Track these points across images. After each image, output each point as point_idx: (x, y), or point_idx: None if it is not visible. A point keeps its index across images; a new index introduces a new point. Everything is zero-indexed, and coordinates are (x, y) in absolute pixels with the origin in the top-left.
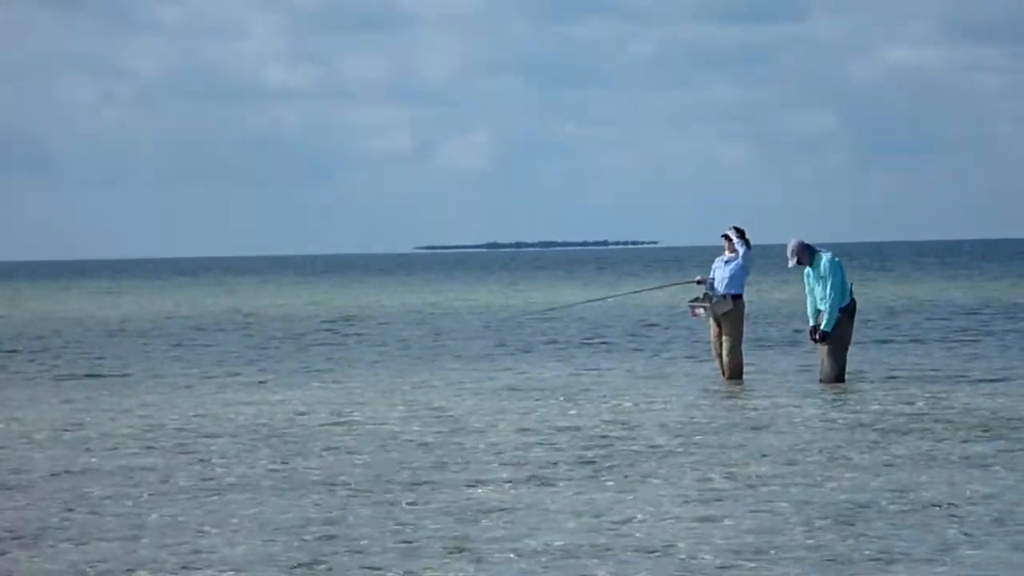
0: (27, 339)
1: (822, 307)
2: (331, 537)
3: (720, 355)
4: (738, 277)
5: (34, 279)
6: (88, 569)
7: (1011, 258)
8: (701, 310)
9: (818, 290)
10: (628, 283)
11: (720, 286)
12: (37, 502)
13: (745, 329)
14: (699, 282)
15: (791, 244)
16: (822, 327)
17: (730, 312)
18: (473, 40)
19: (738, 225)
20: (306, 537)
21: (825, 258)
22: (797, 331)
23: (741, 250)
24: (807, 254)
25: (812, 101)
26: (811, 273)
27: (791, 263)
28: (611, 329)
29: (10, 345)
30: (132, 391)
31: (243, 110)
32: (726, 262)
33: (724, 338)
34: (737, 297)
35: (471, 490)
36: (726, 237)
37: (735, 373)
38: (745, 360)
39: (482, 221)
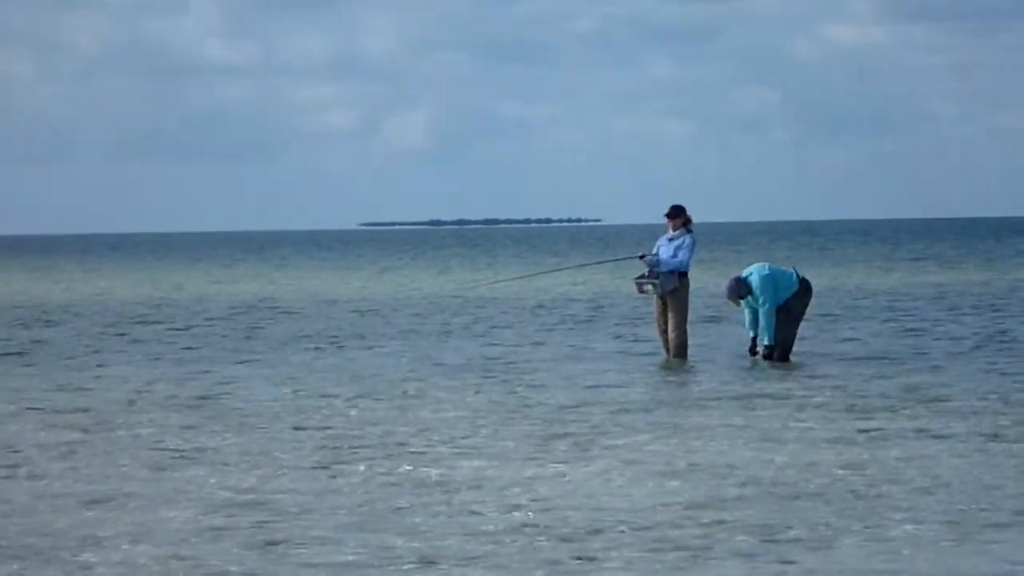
0: None
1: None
2: None
3: (664, 332)
4: (684, 255)
5: None
6: None
7: (943, 239)
8: (649, 287)
9: (754, 302)
10: (556, 263)
11: (665, 264)
12: None
13: (690, 307)
14: (641, 257)
15: (726, 285)
16: (765, 341)
17: (677, 290)
18: (416, 16)
19: (679, 204)
20: None
21: (755, 279)
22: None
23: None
24: (744, 286)
25: (755, 79)
26: (748, 300)
27: (733, 302)
28: (552, 309)
29: None
30: None
31: (184, 87)
32: (670, 239)
33: (670, 316)
34: (683, 275)
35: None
36: (668, 216)
37: (679, 351)
38: (689, 340)
39: (426, 198)
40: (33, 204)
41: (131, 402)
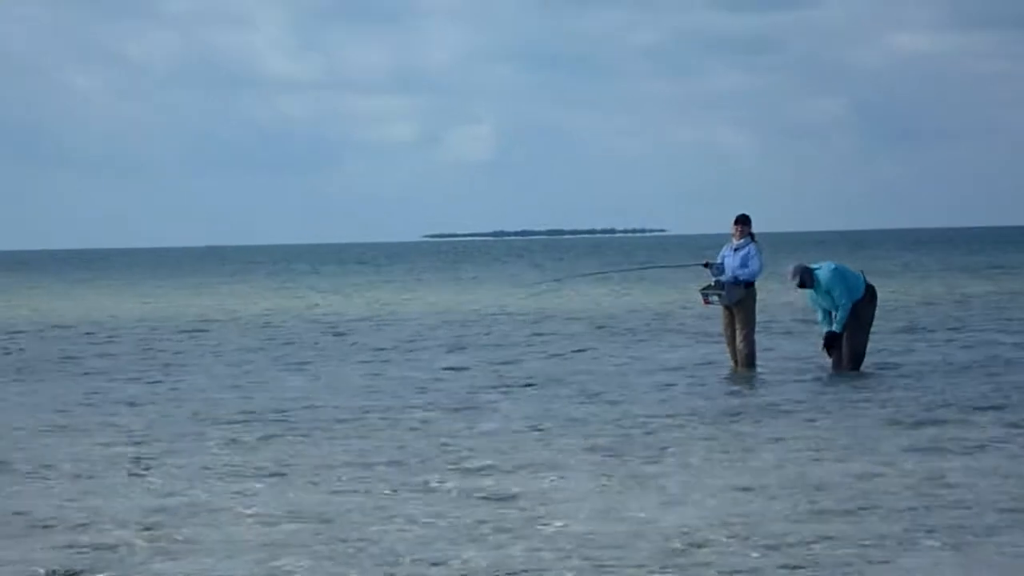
0: None
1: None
2: None
3: (732, 342)
4: (755, 265)
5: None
6: None
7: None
8: (715, 298)
9: (824, 302)
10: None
11: (731, 273)
12: None
13: (758, 316)
14: (706, 265)
15: (792, 267)
16: (833, 327)
17: (743, 300)
18: (478, 29)
19: (746, 213)
20: None
21: (824, 273)
22: (806, 320)
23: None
24: (809, 275)
25: (818, 88)
26: (812, 294)
27: (793, 284)
28: (617, 320)
29: None
30: None
31: (249, 100)
32: (735, 249)
33: (737, 326)
34: (749, 285)
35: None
36: (736, 223)
37: (748, 361)
38: (758, 350)
39: (489, 209)
40: (93, 216)
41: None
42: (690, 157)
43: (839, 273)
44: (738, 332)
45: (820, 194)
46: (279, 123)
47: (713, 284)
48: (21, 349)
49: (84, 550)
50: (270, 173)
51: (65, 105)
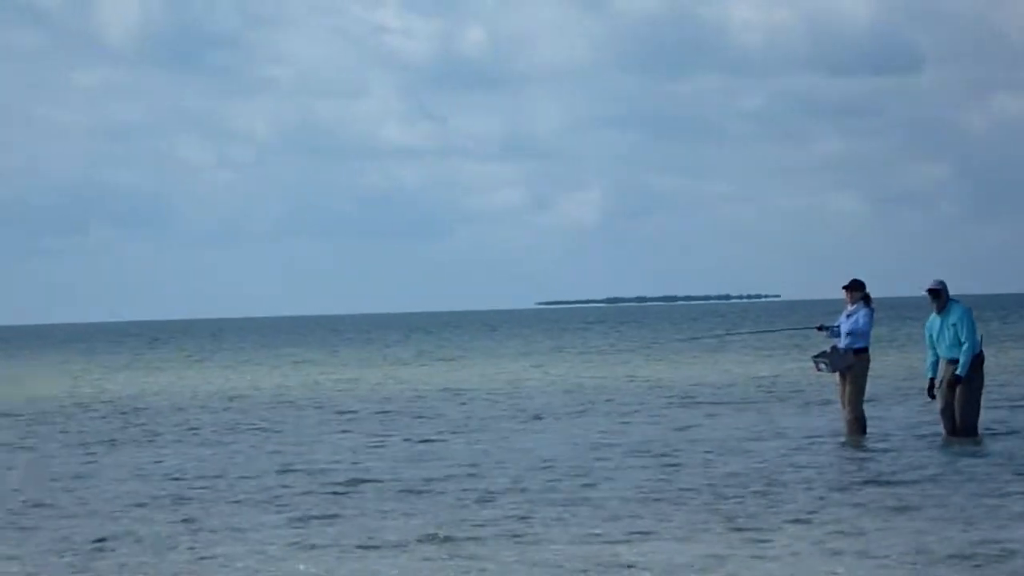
0: None
1: (945, 355)
2: None
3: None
4: (860, 330)
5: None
6: None
7: None
8: (824, 365)
9: (947, 336)
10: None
11: (842, 341)
12: None
13: (869, 383)
14: (820, 328)
15: (936, 281)
16: (957, 371)
17: (853, 367)
18: (583, 96)
19: (858, 278)
20: None
21: (959, 307)
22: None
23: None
24: (946, 295)
25: (921, 152)
26: (939, 322)
27: (928, 294)
28: (734, 388)
29: None
30: None
31: (360, 168)
32: (848, 314)
33: (847, 392)
34: (861, 351)
35: None
36: (847, 289)
37: (855, 427)
38: (868, 415)
39: (603, 275)
40: (213, 286)
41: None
42: (798, 222)
43: (970, 315)
44: (847, 397)
45: (925, 257)
46: (389, 191)
47: (829, 350)
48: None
49: None
50: (380, 241)
51: (172, 175)
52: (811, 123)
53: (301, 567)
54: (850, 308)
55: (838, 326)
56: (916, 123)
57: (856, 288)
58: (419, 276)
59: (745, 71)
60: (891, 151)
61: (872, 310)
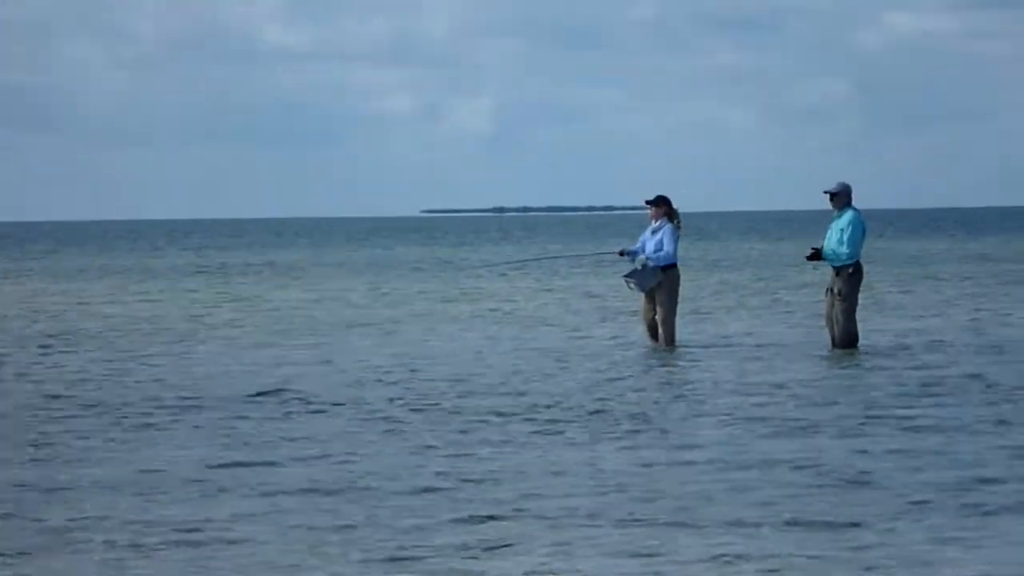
0: None
1: (828, 256)
2: None
3: (649, 323)
4: (669, 248)
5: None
6: None
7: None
8: (633, 285)
9: (833, 238)
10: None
11: (653, 260)
12: None
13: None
14: (621, 254)
15: (838, 183)
16: (823, 253)
17: (661, 284)
18: (476, 1)
19: (663, 194)
20: None
21: (852, 212)
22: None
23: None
24: (848, 200)
25: (819, 68)
26: (832, 223)
27: (827, 196)
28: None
29: None
30: None
31: (245, 73)
32: (653, 231)
33: (657, 308)
34: (669, 267)
35: None
36: (650, 203)
37: (669, 340)
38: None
39: (489, 185)
40: (97, 188)
41: None
42: (690, 134)
43: (861, 224)
44: (658, 314)
45: (820, 173)
46: (275, 96)
47: (640, 267)
48: None
49: None
50: (266, 146)
51: (61, 74)
52: (703, 35)
53: None
54: (655, 224)
55: (641, 248)
56: (810, 39)
57: (660, 204)
58: (302, 182)
59: None
60: (786, 66)
61: (677, 226)
